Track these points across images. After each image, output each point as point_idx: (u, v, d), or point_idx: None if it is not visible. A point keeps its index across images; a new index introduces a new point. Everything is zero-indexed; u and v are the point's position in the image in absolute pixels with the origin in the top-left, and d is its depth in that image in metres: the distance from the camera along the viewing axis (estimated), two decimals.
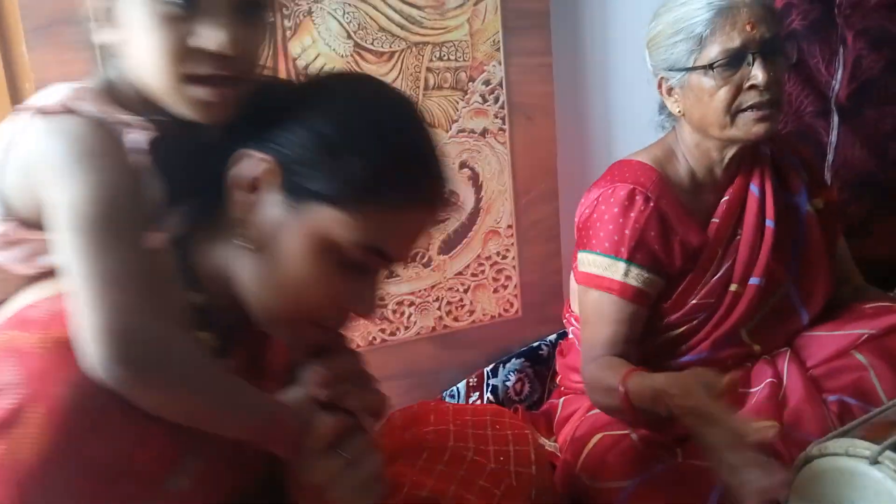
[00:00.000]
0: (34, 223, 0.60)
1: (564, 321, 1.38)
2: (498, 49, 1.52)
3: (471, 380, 1.56)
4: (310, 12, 1.37)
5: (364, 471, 0.63)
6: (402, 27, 1.44)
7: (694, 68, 1.08)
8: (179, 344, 0.58)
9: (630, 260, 1.11)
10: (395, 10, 1.43)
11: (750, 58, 1.04)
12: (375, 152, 0.60)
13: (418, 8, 1.44)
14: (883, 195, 1.70)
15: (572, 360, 1.30)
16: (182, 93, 0.60)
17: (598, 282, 1.13)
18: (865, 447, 0.80)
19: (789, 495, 0.85)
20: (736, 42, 1.04)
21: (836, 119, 1.67)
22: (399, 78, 1.45)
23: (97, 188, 0.56)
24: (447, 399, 1.54)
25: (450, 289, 1.57)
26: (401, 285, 1.52)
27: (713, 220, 1.16)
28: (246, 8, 0.61)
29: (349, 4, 1.39)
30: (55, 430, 0.54)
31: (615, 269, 1.12)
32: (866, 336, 1.11)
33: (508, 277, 1.62)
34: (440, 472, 0.86)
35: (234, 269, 0.63)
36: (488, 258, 1.59)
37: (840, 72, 1.66)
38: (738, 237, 1.15)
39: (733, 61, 1.05)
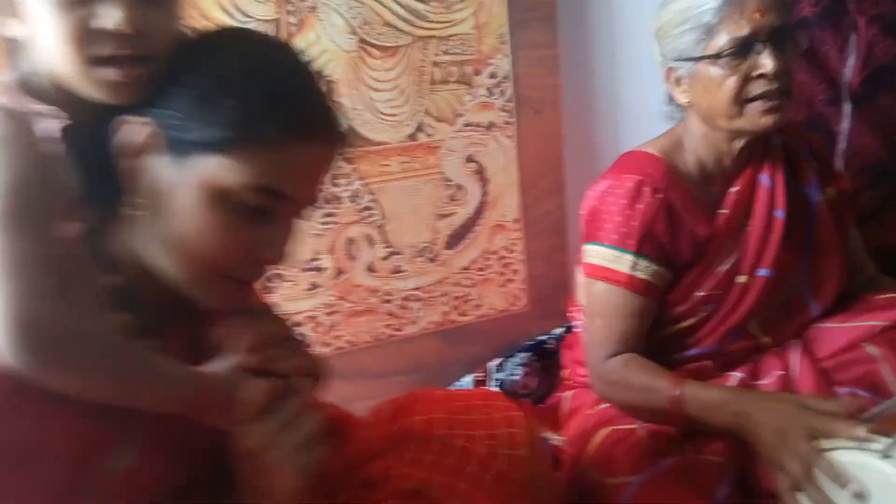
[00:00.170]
0: None
1: (569, 315, 1.37)
2: (504, 42, 1.51)
3: (477, 374, 1.56)
4: (314, 8, 1.37)
5: (300, 432, 0.63)
6: (407, 21, 1.43)
7: (702, 58, 1.06)
8: (89, 327, 0.58)
9: (638, 252, 1.09)
10: (400, 5, 1.42)
11: (759, 46, 1.02)
12: (248, 92, 0.60)
13: (423, 2, 1.44)
14: (894, 183, 1.67)
15: (579, 353, 1.29)
16: (90, 76, 0.60)
17: (605, 274, 1.12)
18: (877, 440, 0.79)
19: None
20: (745, 30, 1.02)
21: (848, 107, 1.64)
22: (405, 73, 1.45)
23: (5, 177, 0.57)
24: None
25: (456, 283, 1.57)
26: (407, 280, 1.52)
27: (722, 210, 1.14)
28: None
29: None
30: None
31: (623, 262, 1.10)
32: (878, 328, 1.09)
33: (515, 271, 1.61)
34: (429, 463, 0.86)
35: (143, 242, 0.64)
36: (495, 252, 1.59)
37: (852, 59, 1.63)
38: (748, 228, 1.14)
39: (742, 50, 1.03)
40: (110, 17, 0.59)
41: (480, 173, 1.54)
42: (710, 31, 1.04)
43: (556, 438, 1.31)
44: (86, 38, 0.59)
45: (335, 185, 1.44)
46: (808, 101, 1.66)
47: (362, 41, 1.41)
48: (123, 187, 0.63)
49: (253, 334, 0.65)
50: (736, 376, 1.13)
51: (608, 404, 1.15)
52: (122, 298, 0.64)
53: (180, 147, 0.61)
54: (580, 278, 1.23)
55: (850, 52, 1.63)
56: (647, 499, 0.95)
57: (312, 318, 1.47)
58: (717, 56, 1.04)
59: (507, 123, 1.54)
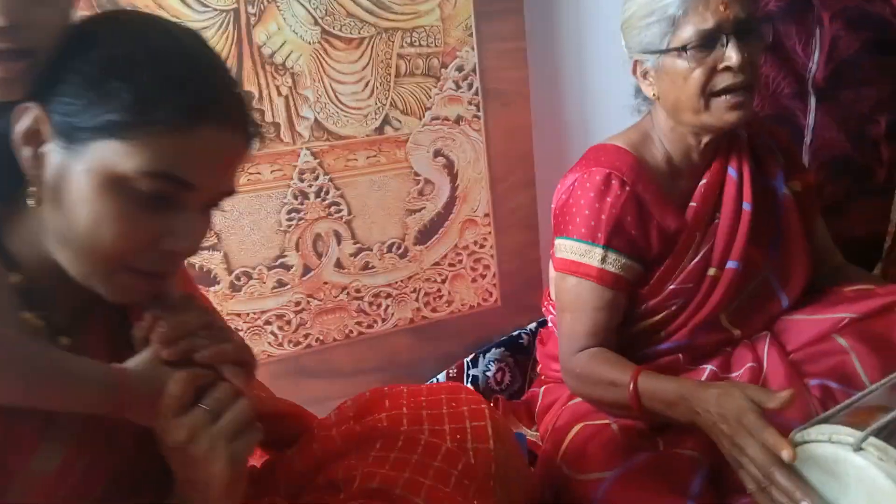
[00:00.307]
0: None
1: (543, 309, 1.36)
2: (471, 34, 1.49)
3: (450, 371, 1.54)
4: None
5: (227, 421, 0.61)
6: (371, 13, 1.40)
7: (668, 50, 1.05)
8: None
9: (607, 245, 1.09)
10: None
11: (724, 39, 1.02)
12: (141, 75, 0.58)
13: None
14: (859, 176, 1.70)
15: (552, 348, 1.28)
16: None
17: (575, 268, 1.11)
18: (849, 433, 0.79)
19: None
20: (709, 23, 1.01)
21: (813, 101, 1.66)
22: (369, 65, 1.42)
23: None
24: None
25: (427, 279, 1.54)
26: (377, 277, 1.50)
27: (691, 204, 1.14)
28: None
29: None
30: None
31: (592, 256, 1.10)
32: (847, 320, 1.10)
33: (487, 267, 1.60)
34: (394, 460, 0.84)
35: (44, 236, 0.61)
36: (466, 248, 1.57)
37: (817, 53, 1.64)
38: (717, 221, 1.14)
39: (707, 43, 1.02)
40: None
41: (449, 167, 1.52)
42: (675, 23, 1.03)
43: (530, 434, 1.31)
44: None
45: (301, 180, 1.41)
46: (774, 95, 1.67)
47: (325, 32, 1.38)
48: (26, 180, 0.61)
49: (169, 326, 0.63)
50: (707, 369, 1.13)
51: (581, 399, 1.14)
52: (28, 297, 0.62)
53: (73, 134, 0.58)
54: (553, 273, 1.22)
55: (815, 46, 1.65)
56: (620, 494, 0.95)
57: (280, 316, 1.44)
58: (682, 49, 1.03)
59: (476, 117, 1.52)
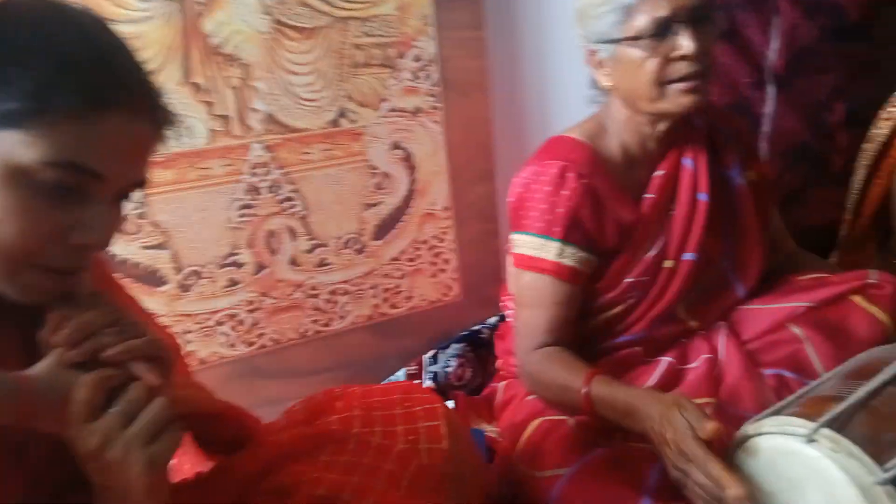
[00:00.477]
0: None
1: (501, 304, 1.35)
2: (428, 23, 1.45)
3: (410, 368, 1.52)
4: None
5: (142, 423, 0.58)
6: (325, 1, 1.37)
7: (622, 39, 1.04)
8: None
9: (564, 239, 1.08)
10: None
11: (678, 27, 1.01)
12: (39, 61, 0.55)
13: None
14: (817, 164, 1.71)
15: (511, 343, 1.27)
16: None
17: (532, 263, 1.10)
18: (801, 425, 0.78)
19: None
20: (663, 11, 1.00)
21: (772, 89, 1.66)
22: (324, 55, 1.38)
23: None
24: None
25: (385, 275, 1.52)
26: (333, 274, 1.46)
27: (647, 195, 1.13)
28: None
29: None
30: None
31: (549, 250, 1.08)
32: (802, 309, 1.10)
33: (447, 261, 1.58)
34: (344, 465, 0.82)
35: None
36: (425, 242, 1.54)
37: (775, 41, 1.64)
38: (672, 212, 1.13)
39: (661, 31, 1.01)
40: None
41: (408, 160, 1.49)
42: (629, 12, 1.02)
43: (490, 430, 1.29)
44: None
45: (253, 174, 1.37)
46: (732, 83, 1.67)
47: (277, 22, 1.33)
48: None
49: (74, 325, 0.59)
50: (664, 361, 1.13)
51: (535, 395, 1.13)
52: None
53: None
54: (510, 268, 1.21)
55: (774, 34, 1.65)
56: (576, 491, 0.93)
57: (233, 316, 1.40)
58: (636, 38, 1.02)
59: (434, 108, 1.49)
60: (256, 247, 1.39)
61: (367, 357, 1.52)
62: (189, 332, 1.37)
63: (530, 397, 1.16)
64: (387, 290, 1.52)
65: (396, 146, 1.48)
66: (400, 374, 1.51)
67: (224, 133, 1.33)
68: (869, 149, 1.49)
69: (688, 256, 1.12)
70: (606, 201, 1.09)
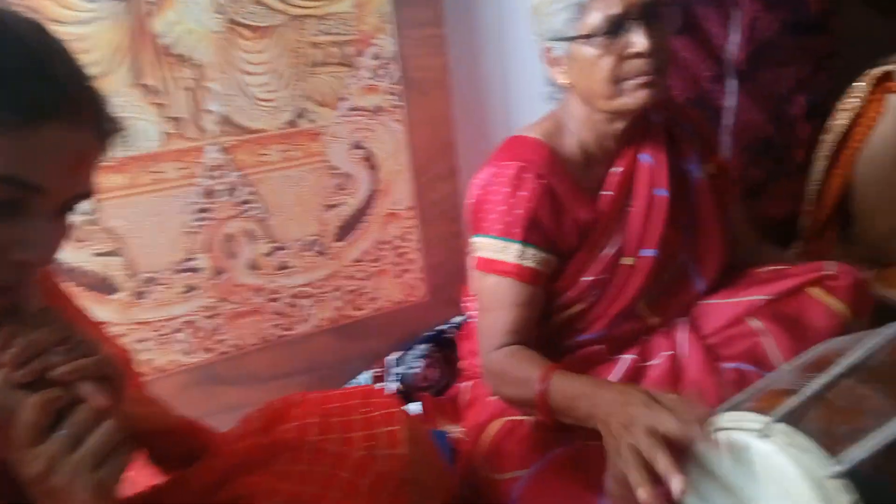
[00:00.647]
0: None
1: (463, 305, 1.33)
2: (387, 21, 1.43)
3: (376, 370, 1.50)
4: None
5: (89, 447, 0.56)
6: None
7: (576, 37, 1.03)
8: None
9: (524, 241, 1.06)
10: None
11: (631, 24, 1.00)
12: None
13: None
14: (779, 156, 1.72)
15: (474, 344, 1.25)
16: None
17: (493, 266, 1.08)
18: (756, 420, 0.78)
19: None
20: (616, 8, 0.99)
21: (733, 83, 1.67)
22: (281, 54, 1.35)
23: None
24: None
25: (349, 277, 1.49)
26: (294, 277, 1.44)
27: (605, 192, 1.12)
28: None
29: None
30: None
31: (509, 252, 1.07)
32: (761, 302, 1.10)
33: (411, 261, 1.56)
34: (300, 474, 0.80)
35: None
36: (388, 242, 1.52)
37: (736, 35, 1.65)
38: (629, 209, 1.12)
39: (615, 28, 1.00)
40: None
41: (369, 160, 1.47)
42: (582, 9, 1.01)
43: (456, 431, 1.28)
44: None
45: (209, 177, 1.34)
46: (694, 78, 1.67)
47: (230, 21, 1.30)
48: None
49: (21, 343, 0.57)
50: (626, 359, 1.12)
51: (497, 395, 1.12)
52: None
53: None
54: (472, 270, 1.19)
55: (734, 28, 1.65)
56: (535, 493, 0.93)
57: (190, 322, 1.37)
58: (590, 35, 1.01)
59: (395, 107, 1.47)
60: (214, 251, 1.36)
61: (331, 360, 1.50)
62: (145, 340, 1.34)
63: (493, 397, 1.15)
64: (350, 291, 1.50)
65: (357, 146, 1.45)
66: (365, 377, 1.50)
67: (177, 136, 1.30)
68: (828, 140, 1.50)
69: (647, 253, 1.11)
70: (565, 201, 1.08)
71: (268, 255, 1.41)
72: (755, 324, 1.08)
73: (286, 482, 0.80)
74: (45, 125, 0.54)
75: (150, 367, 1.34)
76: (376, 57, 1.44)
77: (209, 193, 1.34)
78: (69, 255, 1.24)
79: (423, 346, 1.53)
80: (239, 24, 1.31)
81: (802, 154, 1.69)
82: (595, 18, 1.00)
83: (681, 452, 0.82)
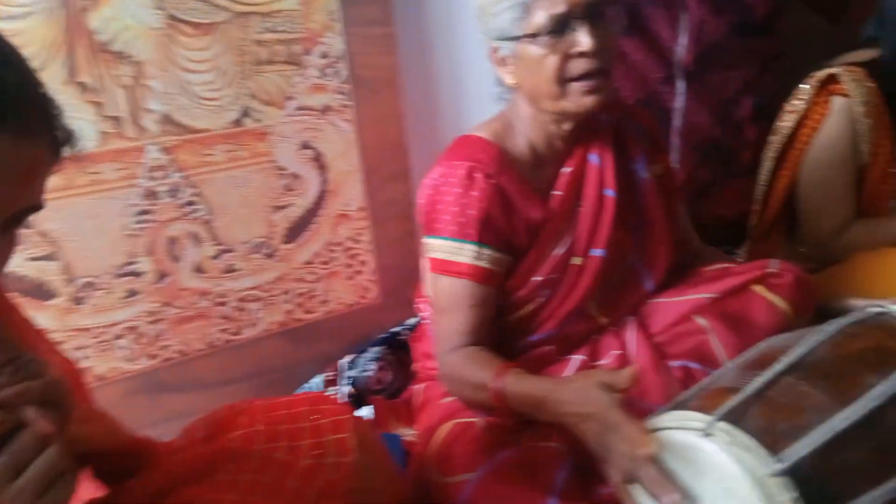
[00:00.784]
0: None
1: (415, 307, 1.32)
2: (335, 19, 1.41)
3: (328, 374, 1.48)
4: None
5: (31, 475, 0.53)
6: None
7: (521, 37, 1.02)
8: None
9: (479, 241, 1.05)
10: None
11: (576, 24, 0.99)
12: None
13: None
14: (727, 158, 1.74)
15: (428, 345, 1.24)
16: None
17: (448, 267, 1.07)
18: (698, 419, 0.78)
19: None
20: (560, 7, 0.99)
21: (681, 85, 1.68)
22: (224, 52, 1.32)
23: None
24: None
25: (299, 279, 1.46)
26: (242, 280, 1.40)
27: (555, 192, 1.12)
28: None
29: None
30: None
31: (465, 253, 1.06)
32: (707, 300, 1.11)
33: (364, 262, 1.54)
34: (245, 484, 0.78)
35: None
36: (340, 243, 1.50)
37: (684, 37, 1.67)
38: (579, 209, 1.12)
39: (559, 28, 0.99)
40: None
41: (318, 160, 1.44)
42: (527, 9, 1.00)
43: (410, 433, 1.26)
44: None
45: (150, 178, 1.30)
46: (643, 79, 1.69)
47: (171, 17, 1.26)
48: None
49: None
50: (577, 359, 1.12)
51: (454, 397, 1.10)
52: None
53: None
54: (426, 272, 1.18)
55: (682, 30, 1.67)
56: (483, 495, 0.92)
57: (133, 328, 1.32)
58: (535, 35, 1.00)
59: (344, 106, 1.45)
60: (157, 254, 1.32)
61: (281, 365, 1.47)
62: (85, 347, 1.29)
63: (445, 400, 1.14)
64: (300, 294, 1.47)
65: (305, 146, 1.43)
66: (317, 381, 1.47)
67: (116, 135, 1.25)
68: (775, 141, 1.53)
69: (596, 253, 1.11)
70: (515, 200, 1.08)
71: (214, 257, 1.37)
72: (701, 321, 1.09)
73: (230, 493, 0.78)
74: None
75: (91, 376, 1.29)
76: (324, 55, 1.41)
77: (150, 195, 1.30)
78: None
79: (376, 349, 1.50)
80: (179, 20, 1.27)
81: (750, 155, 1.72)
82: (540, 17, 0.99)
83: None
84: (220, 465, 0.81)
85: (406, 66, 1.52)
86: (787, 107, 1.49)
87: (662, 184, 1.19)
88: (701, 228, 1.41)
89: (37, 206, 0.58)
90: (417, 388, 1.28)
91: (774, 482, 0.72)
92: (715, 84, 1.71)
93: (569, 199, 1.12)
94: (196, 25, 1.29)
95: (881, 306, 1.03)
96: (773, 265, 1.14)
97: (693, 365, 1.04)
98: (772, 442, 0.75)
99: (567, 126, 1.09)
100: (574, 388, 0.88)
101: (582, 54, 0.99)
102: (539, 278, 1.11)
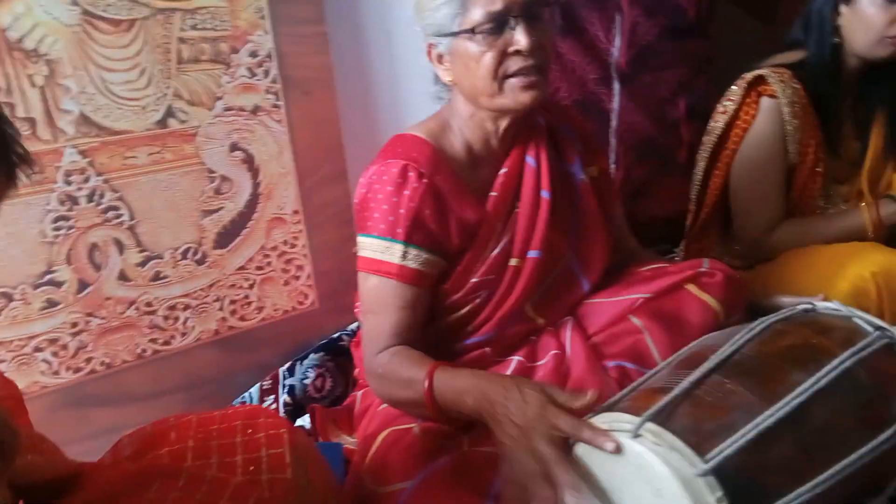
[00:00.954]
0: None
1: (355, 311, 1.29)
2: (263, 17, 1.37)
3: (265, 383, 1.43)
4: None
5: None
6: None
7: (458, 33, 1.01)
8: None
9: (407, 241, 1.04)
10: None
11: (513, 22, 0.99)
12: None
13: None
14: (663, 157, 1.77)
15: None
16: None
17: (376, 266, 1.06)
18: (627, 420, 0.78)
19: None
20: (497, 5, 0.99)
21: (617, 86, 1.70)
22: (146, 50, 1.26)
23: None
24: None
25: (232, 286, 1.42)
26: (171, 287, 1.35)
27: (491, 193, 1.11)
28: None
29: None
30: None
31: (392, 252, 1.04)
32: (641, 300, 1.12)
33: (300, 267, 1.50)
34: (174, 502, 0.73)
35: None
36: (274, 248, 1.46)
37: (618, 39, 1.69)
38: (516, 210, 1.12)
39: (496, 25, 0.99)
40: None
41: (249, 162, 1.40)
42: (464, 5, 1.00)
43: (350, 441, 1.23)
44: None
45: (67, 182, 1.23)
46: (581, 80, 1.70)
47: (87, 13, 1.20)
48: None
49: None
50: (515, 360, 1.11)
51: (381, 398, 1.09)
52: None
53: None
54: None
55: (617, 32, 1.69)
56: None
57: (53, 340, 1.25)
58: (472, 31, 1.00)
59: (275, 106, 1.41)
60: (77, 262, 1.25)
61: (216, 375, 1.41)
62: (1, 361, 1.21)
63: (383, 406, 1.11)
64: (234, 301, 1.42)
65: (235, 147, 1.38)
66: (253, 391, 1.43)
67: (30, 137, 1.18)
68: (707, 142, 1.55)
69: (532, 254, 1.11)
70: (450, 200, 1.06)
71: (139, 265, 1.31)
72: (636, 321, 1.09)
73: None
74: None
75: None
76: (253, 54, 1.37)
77: (69, 200, 1.23)
78: None
79: (315, 356, 1.47)
80: (97, 17, 1.22)
81: (685, 154, 1.75)
82: (477, 14, 0.99)
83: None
84: (148, 483, 0.77)
85: (341, 66, 1.49)
86: (719, 108, 1.52)
87: (598, 186, 1.19)
88: (639, 227, 1.42)
89: None
90: (358, 394, 1.26)
91: (701, 482, 0.72)
92: (650, 85, 1.73)
93: (505, 200, 1.11)
94: (114, 22, 1.23)
95: (809, 303, 1.06)
96: (705, 264, 1.15)
97: (628, 365, 1.05)
98: (699, 441, 0.75)
99: (504, 124, 1.09)
100: (513, 382, 0.86)
101: (519, 52, 1.00)
102: (476, 279, 1.10)
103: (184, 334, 1.37)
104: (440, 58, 1.07)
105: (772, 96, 1.41)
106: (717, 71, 1.78)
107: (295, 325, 1.50)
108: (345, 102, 1.50)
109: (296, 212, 1.47)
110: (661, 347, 1.05)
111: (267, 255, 1.45)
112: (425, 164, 1.05)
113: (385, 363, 1.02)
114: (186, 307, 1.37)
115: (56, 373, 1.26)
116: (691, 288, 1.11)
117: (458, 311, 1.11)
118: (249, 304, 1.45)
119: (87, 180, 1.24)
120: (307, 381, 1.43)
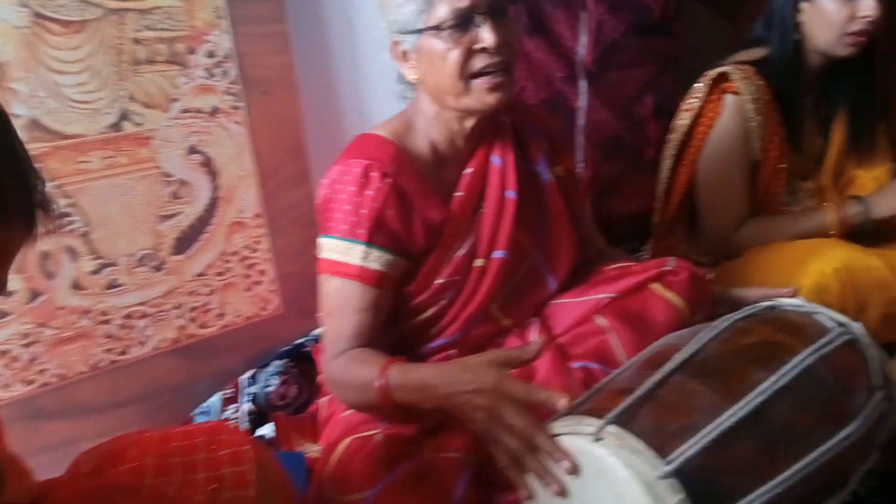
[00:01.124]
0: None
1: (318, 316, 1.26)
2: (221, 16, 1.34)
3: (226, 391, 1.40)
4: None
5: None
6: None
7: (424, 30, 1.00)
8: None
9: (369, 242, 1.02)
10: None
11: (479, 19, 0.98)
12: None
13: None
14: (629, 155, 1.77)
15: None
16: None
17: (336, 268, 1.04)
18: (589, 423, 0.77)
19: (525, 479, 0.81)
20: (464, 2, 0.98)
21: (583, 84, 1.69)
22: (98, 52, 1.22)
23: None
24: (199, 418, 1.36)
25: (191, 292, 1.38)
26: (127, 295, 1.31)
27: (457, 193, 1.09)
28: None
29: None
30: None
31: (353, 253, 1.02)
32: (606, 300, 1.11)
33: (262, 272, 1.47)
34: None
35: None
36: (235, 253, 1.42)
37: (584, 37, 1.68)
38: (481, 210, 1.10)
39: (462, 22, 0.98)
40: None
41: (208, 165, 1.37)
42: (430, 2, 0.99)
43: (314, 449, 1.21)
44: None
45: None
46: (547, 79, 1.69)
47: (37, 15, 1.16)
48: None
49: None
50: None
51: (343, 403, 1.07)
52: None
53: None
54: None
55: (582, 30, 1.68)
56: None
57: (4, 352, 1.21)
58: (437, 28, 0.98)
59: (235, 108, 1.38)
60: (27, 271, 1.21)
61: (175, 384, 1.38)
62: None
63: (346, 413, 1.09)
64: (194, 308, 1.39)
65: (193, 150, 1.35)
66: (214, 400, 1.39)
67: None
68: (673, 139, 1.55)
69: (498, 254, 1.09)
70: (414, 201, 1.05)
71: (94, 273, 1.27)
72: (601, 321, 1.08)
73: None
74: None
75: None
76: (211, 55, 1.34)
77: None
78: None
79: (279, 363, 1.44)
80: (46, 17, 1.18)
81: (653, 152, 1.75)
82: (442, 11, 0.98)
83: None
84: (107, 501, 0.75)
85: (302, 65, 1.46)
86: (684, 105, 1.52)
87: (564, 185, 1.18)
88: (607, 225, 1.41)
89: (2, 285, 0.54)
90: (322, 401, 1.23)
91: (663, 484, 0.71)
92: (616, 83, 1.73)
93: (470, 200, 1.10)
94: (65, 23, 1.19)
95: (772, 300, 1.05)
96: (670, 263, 1.14)
97: (593, 365, 1.03)
98: (661, 443, 0.74)
99: (469, 124, 1.07)
100: (464, 364, 0.88)
101: (485, 49, 0.99)
102: (441, 280, 1.08)
103: (141, 343, 1.33)
104: (405, 55, 1.05)
105: (735, 93, 1.42)
106: (683, 69, 1.78)
107: (257, 331, 1.47)
108: (307, 102, 1.47)
109: (257, 215, 1.44)
110: (626, 347, 1.04)
111: (227, 261, 1.42)
112: (389, 163, 1.03)
113: (342, 367, 1.00)
114: (144, 315, 1.33)
115: (7, 385, 1.22)
116: (656, 287, 1.10)
117: (423, 312, 1.09)
118: (210, 310, 1.41)
119: None
120: (270, 389, 1.40)
